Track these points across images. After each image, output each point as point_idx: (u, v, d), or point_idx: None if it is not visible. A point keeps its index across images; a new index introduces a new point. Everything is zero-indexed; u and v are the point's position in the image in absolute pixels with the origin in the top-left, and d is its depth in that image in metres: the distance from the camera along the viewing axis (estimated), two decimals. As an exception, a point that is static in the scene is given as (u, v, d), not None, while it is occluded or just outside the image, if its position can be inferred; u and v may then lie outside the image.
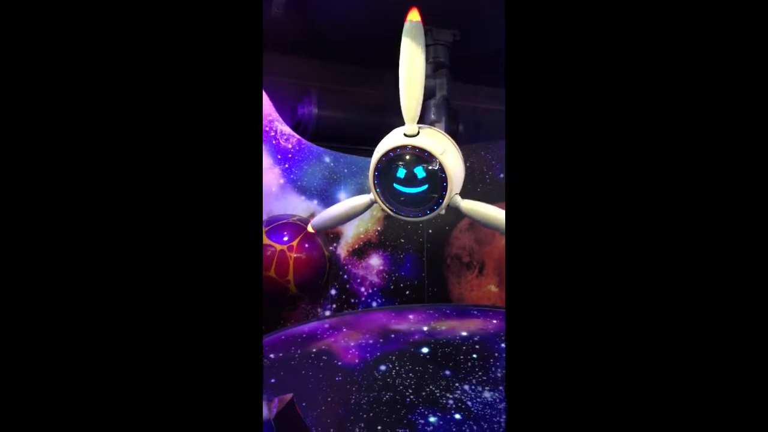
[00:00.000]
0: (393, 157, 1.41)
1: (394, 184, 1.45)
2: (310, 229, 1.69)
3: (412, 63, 1.29)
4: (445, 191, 1.44)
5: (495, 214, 1.53)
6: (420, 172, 1.43)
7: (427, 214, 1.49)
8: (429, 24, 2.19)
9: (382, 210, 1.51)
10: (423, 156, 1.39)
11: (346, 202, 1.63)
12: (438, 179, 1.41)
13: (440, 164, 1.40)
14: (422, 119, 2.19)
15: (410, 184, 1.44)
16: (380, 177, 1.44)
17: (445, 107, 2.22)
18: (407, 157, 1.41)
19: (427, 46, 2.16)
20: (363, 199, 1.57)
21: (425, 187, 1.44)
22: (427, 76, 2.17)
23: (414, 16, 1.27)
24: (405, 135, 1.39)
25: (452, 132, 2.90)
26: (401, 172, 1.43)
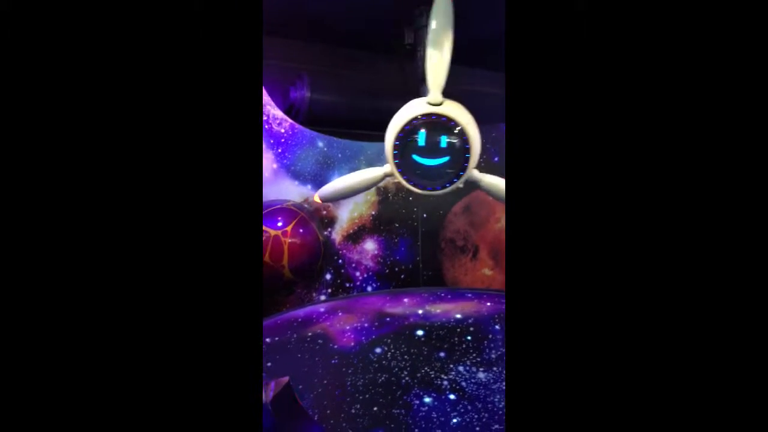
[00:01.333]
0: (416, 125, 1.37)
1: (414, 155, 1.41)
2: (316, 198, 1.63)
3: (443, 34, 1.29)
4: (467, 163, 1.40)
5: None
6: (443, 141, 1.39)
7: (446, 188, 1.44)
8: (421, 6, 2.17)
9: (399, 183, 1.47)
10: (448, 125, 1.35)
11: (359, 174, 1.57)
12: (461, 150, 1.38)
13: (465, 134, 1.37)
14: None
15: (431, 154, 1.40)
16: (400, 147, 1.39)
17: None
18: (431, 125, 1.37)
19: (420, 27, 2.13)
20: (377, 172, 1.52)
21: (446, 158, 1.40)
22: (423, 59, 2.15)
23: None
24: (429, 104, 1.36)
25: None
26: (423, 141, 1.39)
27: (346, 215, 3.59)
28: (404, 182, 1.45)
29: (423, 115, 1.37)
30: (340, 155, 3.43)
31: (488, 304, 2.71)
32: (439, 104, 1.39)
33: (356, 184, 1.55)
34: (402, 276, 3.76)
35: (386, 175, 1.50)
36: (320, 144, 3.38)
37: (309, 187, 3.38)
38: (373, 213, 3.65)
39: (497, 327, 2.33)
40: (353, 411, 1.69)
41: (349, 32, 2.59)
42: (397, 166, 1.42)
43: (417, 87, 2.11)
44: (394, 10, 2.03)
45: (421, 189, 1.48)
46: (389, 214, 3.65)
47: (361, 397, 1.76)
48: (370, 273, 3.66)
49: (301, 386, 1.79)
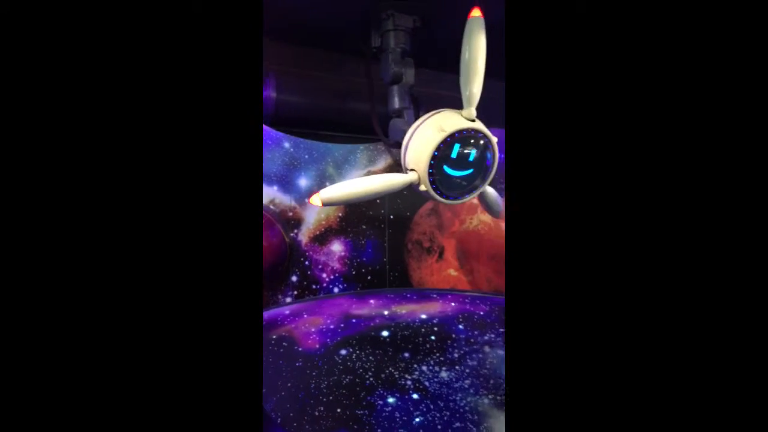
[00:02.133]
0: (456, 138, 1.45)
1: (445, 166, 1.49)
2: (317, 202, 1.52)
3: (478, 52, 1.37)
4: (487, 176, 1.50)
5: (496, 199, 1.62)
6: (472, 155, 1.49)
7: (465, 198, 1.54)
8: (390, 9, 2.19)
9: (423, 192, 1.51)
10: (482, 140, 1.45)
11: (377, 178, 1.53)
12: (484, 165, 1.48)
13: (492, 151, 1.47)
14: (387, 106, 2.18)
15: (458, 166, 1.48)
16: (438, 158, 1.48)
17: (409, 94, 2.21)
18: (464, 139, 1.46)
19: (388, 30, 2.15)
20: (401, 179, 1.51)
21: (470, 171, 1.50)
22: (395, 63, 2.17)
23: (476, 13, 1.37)
24: (466, 119, 1.43)
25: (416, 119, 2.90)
26: (455, 153, 1.48)
27: (313, 217, 3.57)
28: (432, 191, 1.50)
29: (464, 130, 1.46)
30: (306, 156, 3.41)
31: (453, 304, 2.75)
32: (473, 120, 1.48)
33: (374, 190, 1.52)
34: (369, 277, 3.77)
35: (411, 182, 1.52)
36: (286, 145, 3.35)
37: (275, 188, 3.34)
38: (340, 215, 3.64)
39: (461, 327, 2.37)
40: (317, 413, 1.69)
41: (316, 33, 2.58)
42: (431, 175, 1.48)
43: (384, 90, 2.12)
44: (361, 12, 2.04)
45: (444, 198, 1.55)
46: (356, 216, 3.65)
47: (324, 399, 1.76)
48: (337, 274, 3.65)
49: (264, 390, 1.77)
